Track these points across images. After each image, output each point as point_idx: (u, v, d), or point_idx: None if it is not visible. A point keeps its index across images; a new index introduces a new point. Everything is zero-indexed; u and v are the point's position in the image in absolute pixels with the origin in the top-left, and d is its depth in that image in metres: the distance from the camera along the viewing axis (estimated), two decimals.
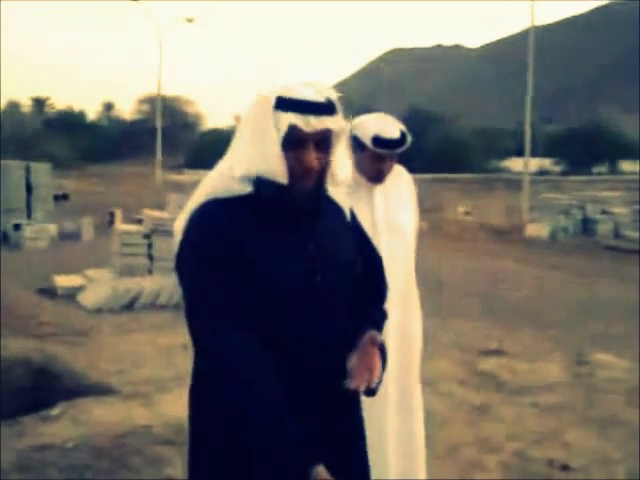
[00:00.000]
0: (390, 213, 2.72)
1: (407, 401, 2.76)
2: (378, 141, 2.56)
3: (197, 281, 1.52)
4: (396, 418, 2.70)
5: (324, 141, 1.56)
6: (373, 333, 1.64)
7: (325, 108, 1.55)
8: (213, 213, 1.56)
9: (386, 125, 2.60)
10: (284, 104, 1.53)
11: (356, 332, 1.64)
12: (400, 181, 2.83)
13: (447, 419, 4.35)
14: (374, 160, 2.60)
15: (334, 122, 1.56)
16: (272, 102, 1.54)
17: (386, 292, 1.84)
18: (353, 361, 1.58)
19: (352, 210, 1.78)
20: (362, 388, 1.54)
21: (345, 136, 1.63)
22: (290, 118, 1.52)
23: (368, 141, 2.56)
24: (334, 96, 1.59)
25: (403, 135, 2.60)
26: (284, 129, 1.52)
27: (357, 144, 2.58)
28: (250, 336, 1.47)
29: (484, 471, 3.68)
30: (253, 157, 1.54)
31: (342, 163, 1.65)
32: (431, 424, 4.02)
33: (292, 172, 1.54)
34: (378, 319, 1.74)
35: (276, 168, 1.53)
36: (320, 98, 1.55)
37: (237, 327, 1.47)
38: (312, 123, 1.52)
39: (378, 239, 2.56)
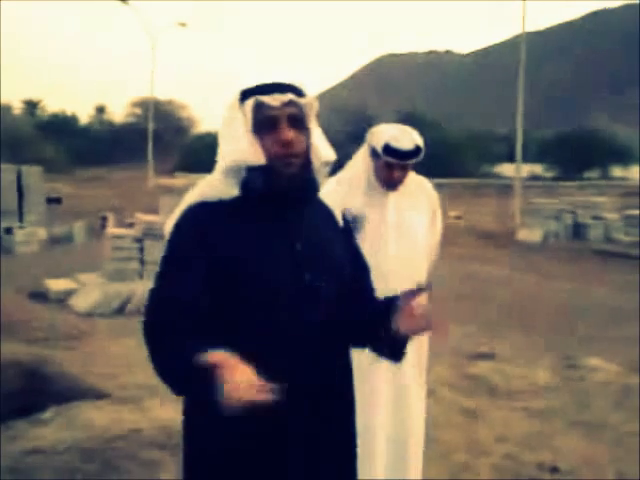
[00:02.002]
0: (402, 218, 2.79)
1: (403, 404, 2.77)
2: (388, 150, 2.65)
3: (156, 280, 1.57)
4: (390, 421, 2.72)
5: (297, 120, 1.58)
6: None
7: (290, 87, 1.59)
8: (192, 218, 1.58)
9: (400, 135, 2.68)
10: (248, 93, 1.58)
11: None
12: (420, 191, 2.94)
13: (438, 423, 4.37)
14: (386, 167, 2.70)
15: (301, 99, 1.59)
16: (238, 98, 1.59)
17: (373, 296, 1.83)
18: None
19: (344, 215, 1.79)
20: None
21: (315, 110, 1.64)
22: (255, 98, 1.57)
23: (379, 148, 2.66)
24: (304, 87, 1.62)
25: (417, 148, 2.67)
26: (251, 109, 1.56)
27: (374, 151, 2.70)
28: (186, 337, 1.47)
29: (475, 474, 3.70)
30: (228, 149, 1.58)
31: (322, 142, 1.65)
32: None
33: (272, 154, 1.55)
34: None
35: (247, 149, 1.55)
36: (284, 81, 1.59)
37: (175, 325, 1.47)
38: (277, 97, 1.55)
39: (386, 240, 2.66)
